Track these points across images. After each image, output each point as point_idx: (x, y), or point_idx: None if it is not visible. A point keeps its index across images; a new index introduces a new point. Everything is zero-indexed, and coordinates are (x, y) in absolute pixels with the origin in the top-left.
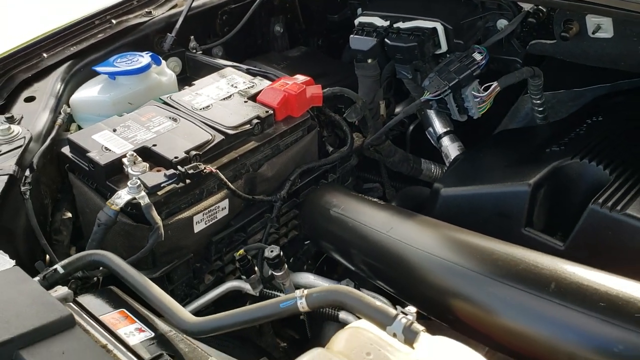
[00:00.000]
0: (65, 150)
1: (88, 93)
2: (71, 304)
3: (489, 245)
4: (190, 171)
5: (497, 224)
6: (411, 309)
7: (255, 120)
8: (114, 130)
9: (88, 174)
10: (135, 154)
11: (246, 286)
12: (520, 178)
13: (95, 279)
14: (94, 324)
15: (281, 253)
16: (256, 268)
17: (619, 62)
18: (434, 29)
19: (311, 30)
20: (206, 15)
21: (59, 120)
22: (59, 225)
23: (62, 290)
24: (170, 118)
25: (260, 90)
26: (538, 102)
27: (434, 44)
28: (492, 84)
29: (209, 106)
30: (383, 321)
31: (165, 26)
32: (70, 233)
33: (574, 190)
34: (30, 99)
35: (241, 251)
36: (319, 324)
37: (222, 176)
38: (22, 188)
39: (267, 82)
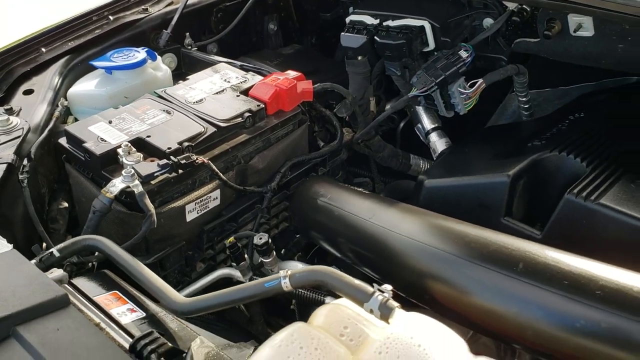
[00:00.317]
0: (62, 141)
1: (85, 87)
2: (66, 285)
3: (464, 229)
4: (183, 161)
5: (477, 213)
6: (387, 287)
7: (247, 114)
8: (110, 122)
9: (84, 164)
10: (129, 145)
11: (236, 273)
12: (500, 170)
13: (90, 264)
14: (87, 304)
15: (269, 240)
16: (246, 256)
17: (599, 60)
18: (422, 27)
19: (305, 29)
20: (201, 12)
21: (57, 113)
22: (55, 214)
23: (57, 272)
24: (164, 111)
25: (253, 85)
26: (523, 99)
27: (422, 41)
28: (477, 81)
29: (202, 100)
30: (361, 298)
31: (161, 23)
32: (66, 222)
33: (552, 181)
34: (28, 92)
35: (231, 238)
36: (309, 313)
37: (214, 167)
38: (20, 176)
39: (259, 78)
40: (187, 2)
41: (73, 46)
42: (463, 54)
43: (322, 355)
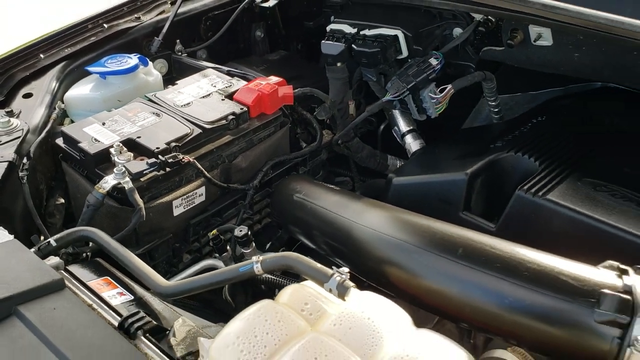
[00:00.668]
0: (59, 141)
1: (81, 91)
2: (62, 271)
3: (416, 220)
4: (170, 160)
5: (439, 208)
6: (344, 269)
7: (231, 116)
8: (103, 124)
9: (79, 163)
10: (121, 145)
11: (219, 264)
12: (460, 169)
13: (84, 254)
14: (81, 287)
15: (249, 232)
16: (229, 247)
17: (558, 67)
18: (396, 36)
19: (290, 36)
20: (191, 20)
21: (54, 115)
22: (52, 210)
23: (54, 259)
24: (154, 113)
25: (237, 90)
26: (493, 103)
27: (396, 49)
28: (447, 87)
29: (189, 103)
30: (321, 279)
31: (153, 30)
32: (62, 217)
33: (508, 179)
34: (28, 95)
35: (214, 231)
36: None
37: (199, 165)
38: (20, 174)
39: (244, 83)
40: (177, 10)
41: (69, 52)
42: (433, 61)
43: (284, 326)
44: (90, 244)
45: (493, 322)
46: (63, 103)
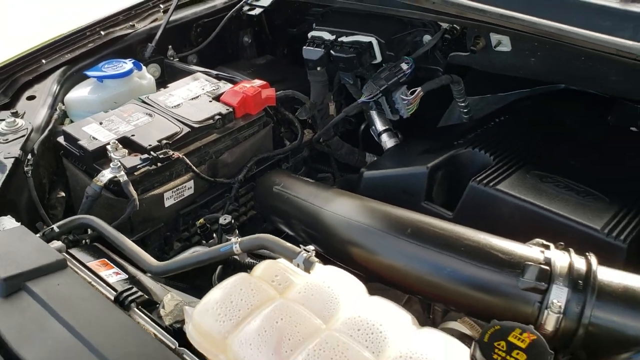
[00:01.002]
0: (61, 139)
1: (80, 93)
2: (64, 253)
3: (375, 206)
4: (161, 156)
5: (404, 199)
6: (310, 247)
7: (218, 116)
8: (101, 124)
9: (79, 159)
10: (117, 142)
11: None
12: (423, 163)
13: (83, 241)
14: (81, 267)
15: (232, 220)
16: (215, 235)
17: (517, 71)
18: (370, 43)
19: (276, 42)
20: (182, 27)
21: (55, 116)
22: (54, 202)
23: (57, 243)
24: (146, 114)
25: (224, 92)
26: (462, 104)
27: (371, 55)
28: (417, 89)
29: (179, 104)
30: (290, 256)
31: (147, 37)
32: (63, 209)
33: (466, 173)
34: (31, 98)
35: (201, 220)
36: None
37: (188, 161)
38: (25, 168)
39: (230, 85)
40: (169, 18)
41: (69, 58)
42: (404, 66)
43: (256, 294)
44: (89, 231)
45: (437, 291)
46: (63, 105)
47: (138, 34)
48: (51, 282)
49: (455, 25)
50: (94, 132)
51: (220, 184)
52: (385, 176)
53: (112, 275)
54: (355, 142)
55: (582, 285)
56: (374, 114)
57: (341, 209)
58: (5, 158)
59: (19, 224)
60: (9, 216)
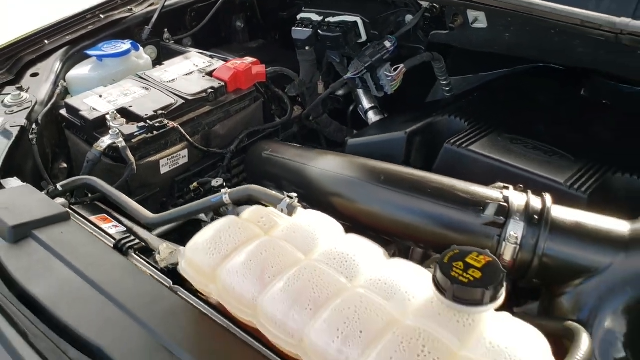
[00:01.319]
0: (63, 111)
1: (81, 71)
2: (67, 208)
3: (351, 159)
4: (157, 125)
5: None
6: (293, 194)
7: (210, 90)
8: (100, 97)
9: (80, 129)
10: (115, 113)
11: (201, 214)
12: (402, 130)
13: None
14: (83, 220)
15: (224, 183)
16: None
17: (493, 47)
18: (355, 22)
19: (268, 26)
20: (178, 12)
21: (57, 91)
22: (56, 172)
23: (61, 200)
24: (143, 88)
25: (216, 68)
26: (444, 82)
27: (356, 34)
28: (399, 66)
29: (174, 79)
30: (275, 202)
31: (144, 20)
32: (65, 179)
33: (442, 139)
34: (35, 75)
35: (195, 184)
36: None
37: (182, 130)
38: (30, 136)
39: (222, 62)
40: (165, 3)
41: (71, 39)
42: (387, 44)
43: (243, 232)
44: (90, 195)
45: (408, 231)
46: (65, 82)
47: (136, 17)
48: (55, 231)
49: (434, 4)
50: (94, 103)
51: (213, 153)
52: (367, 142)
53: (112, 227)
54: (344, 123)
55: (537, 219)
56: (360, 92)
57: (323, 164)
58: (11, 127)
59: (24, 184)
60: (15, 177)
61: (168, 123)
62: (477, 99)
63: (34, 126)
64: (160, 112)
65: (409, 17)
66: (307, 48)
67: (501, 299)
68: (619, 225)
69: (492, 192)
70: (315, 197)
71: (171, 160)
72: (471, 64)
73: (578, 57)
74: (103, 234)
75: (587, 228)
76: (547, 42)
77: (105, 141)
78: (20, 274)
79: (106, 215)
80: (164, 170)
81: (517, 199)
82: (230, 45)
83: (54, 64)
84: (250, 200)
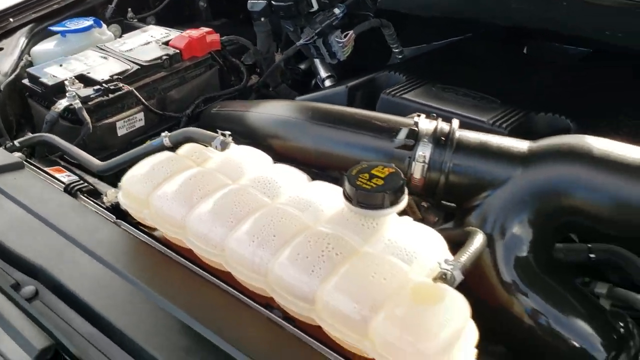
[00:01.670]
0: (25, 81)
1: (45, 46)
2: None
3: (288, 102)
4: (112, 88)
5: None
6: (227, 133)
7: (165, 57)
8: (60, 65)
9: (41, 95)
10: (74, 78)
11: None
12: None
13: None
14: (37, 170)
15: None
16: None
17: (436, 10)
18: None
19: (231, 5)
20: None
21: (22, 64)
22: None
23: (18, 153)
24: (101, 57)
25: (172, 38)
26: (396, 50)
27: (307, 3)
28: (349, 32)
29: (131, 49)
30: (209, 140)
31: (108, 0)
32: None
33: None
34: None
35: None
36: None
37: (137, 93)
38: None
39: (178, 34)
40: None
41: (36, 17)
42: (336, 10)
43: (177, 165)
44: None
45: (335, 161)
46: (30, 56)
47: None
48: (9, 177)
49: None
50: (53, 71)
51: (169, 117)
52: (312, 97)
53: (65, 177)
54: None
55: (443, 141)
56: (317, 62)
57: (262, 109)
58: None
59: None
60: None
61: (123, 86)
62: (419, 59)
63: None
64: (116, 76)
65: None
66: (262, 19)
67: (402, 204)
68: (519, 144)
69: (405, 120)
70: (256, 140)
71: (128, 122)
72: (424, 35)
73: (514, 14)
74: (55, 180)
75: (490, 146)
76: (483, 3)
77: (62, 103)
78: None
79: (60, 167)
80: (121, 132)
81: (427, 124)
82: (193, 24)
83: (18, 39)
84: (189, 141)
